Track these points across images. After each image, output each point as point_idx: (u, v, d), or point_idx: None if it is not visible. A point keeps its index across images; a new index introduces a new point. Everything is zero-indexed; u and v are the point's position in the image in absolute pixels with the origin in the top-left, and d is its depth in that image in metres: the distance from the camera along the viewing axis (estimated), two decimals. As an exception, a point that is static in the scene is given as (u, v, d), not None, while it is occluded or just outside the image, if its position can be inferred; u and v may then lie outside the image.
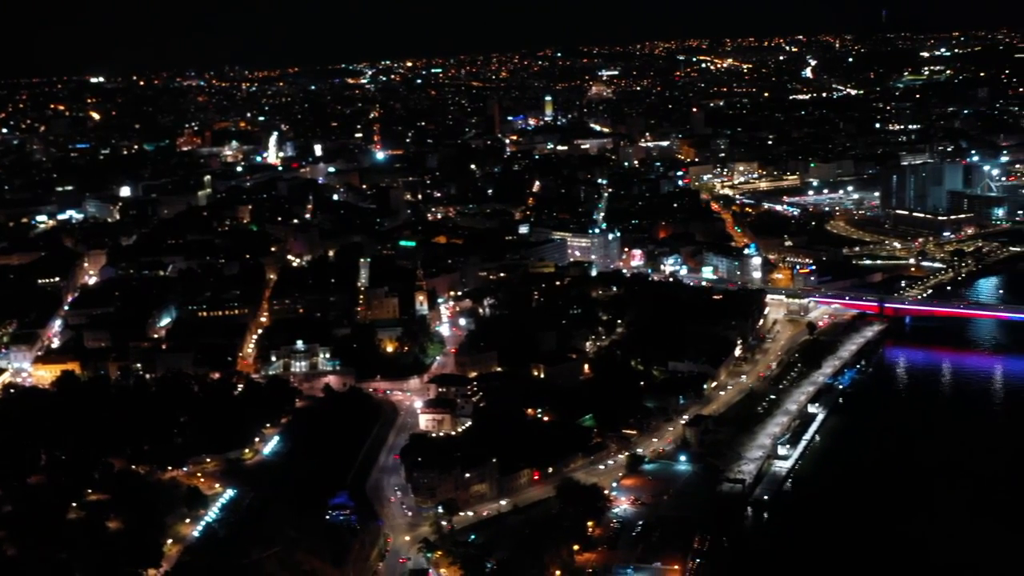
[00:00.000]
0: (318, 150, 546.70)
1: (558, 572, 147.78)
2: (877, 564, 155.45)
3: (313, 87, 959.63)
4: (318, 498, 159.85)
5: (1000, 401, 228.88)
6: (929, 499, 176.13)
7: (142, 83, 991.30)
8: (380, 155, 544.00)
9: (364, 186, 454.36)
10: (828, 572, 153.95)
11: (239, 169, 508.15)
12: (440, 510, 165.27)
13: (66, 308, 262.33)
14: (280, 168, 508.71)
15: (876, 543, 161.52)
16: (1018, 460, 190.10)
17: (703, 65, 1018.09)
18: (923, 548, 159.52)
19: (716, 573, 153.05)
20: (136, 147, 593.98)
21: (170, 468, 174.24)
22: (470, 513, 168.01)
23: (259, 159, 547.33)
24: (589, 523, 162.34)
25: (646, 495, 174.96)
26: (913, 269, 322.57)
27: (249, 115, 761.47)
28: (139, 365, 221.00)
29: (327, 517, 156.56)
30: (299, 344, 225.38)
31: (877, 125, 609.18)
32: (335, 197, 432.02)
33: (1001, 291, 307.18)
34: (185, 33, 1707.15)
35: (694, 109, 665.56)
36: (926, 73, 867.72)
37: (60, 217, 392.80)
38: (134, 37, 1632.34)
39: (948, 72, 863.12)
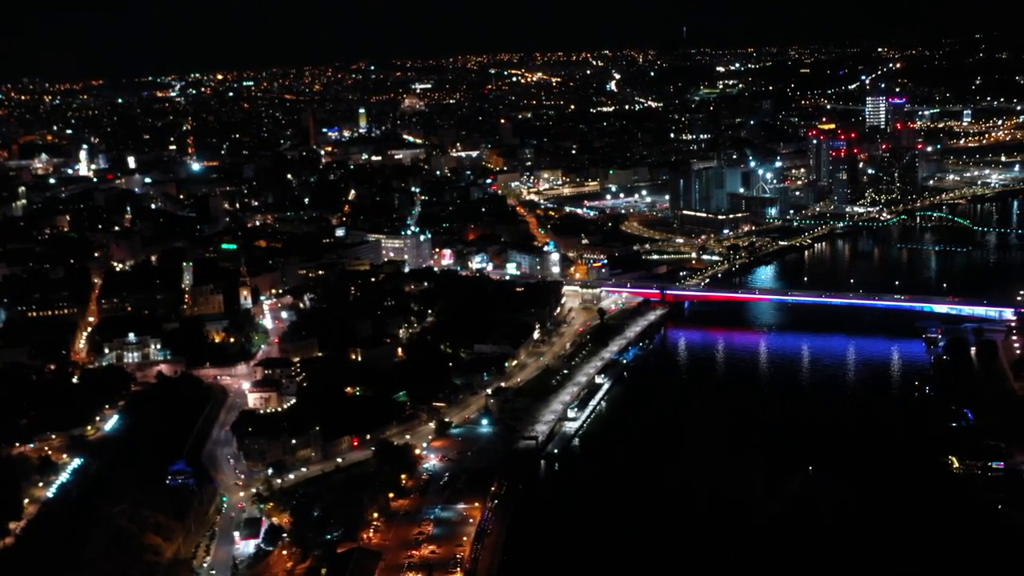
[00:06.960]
0: (131, 162, 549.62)
1: (376, 514, 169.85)
2: (646, 500, 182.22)
3: (121, 100, 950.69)
4: (158, 465, 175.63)
5: (764, 370, 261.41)
6: (696, 449, 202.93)
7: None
8: (196, 166, 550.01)
9: (182, 196, 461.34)
10: (605, 508, 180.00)
11: (52, 181, 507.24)
12: (270, 471, 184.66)
13: None
14: (95, 180, 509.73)
15: (647, 484, 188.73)
16: (773, 414, 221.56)
17: (514, 79, 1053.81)
18: (686, 487, 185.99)
19: (511, 511, 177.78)
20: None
21: (17, 444, 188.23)
22: (298, 472, 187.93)
23: (71, 171, 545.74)
24: (403, 476, 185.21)
25: (452, 452, 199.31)
26: (694, 262, 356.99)
27: (56, 128, 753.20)
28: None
29: (168, 481, 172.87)
30: (131, 336, 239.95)
31: (672, 135, 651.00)
32: (153, 207, 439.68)
33: (766, 278, 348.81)
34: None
35: (503, 120, 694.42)
36: (720, 87, 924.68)
37: None
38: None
39: (740, 86, 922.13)
